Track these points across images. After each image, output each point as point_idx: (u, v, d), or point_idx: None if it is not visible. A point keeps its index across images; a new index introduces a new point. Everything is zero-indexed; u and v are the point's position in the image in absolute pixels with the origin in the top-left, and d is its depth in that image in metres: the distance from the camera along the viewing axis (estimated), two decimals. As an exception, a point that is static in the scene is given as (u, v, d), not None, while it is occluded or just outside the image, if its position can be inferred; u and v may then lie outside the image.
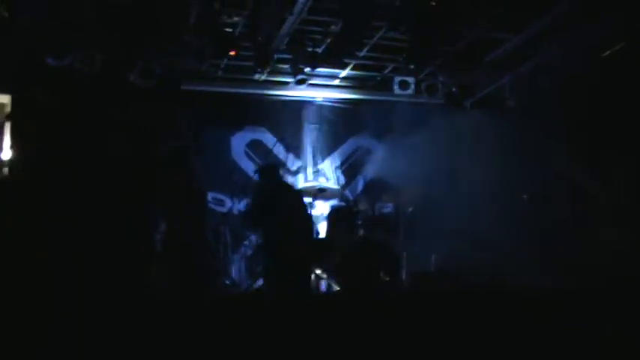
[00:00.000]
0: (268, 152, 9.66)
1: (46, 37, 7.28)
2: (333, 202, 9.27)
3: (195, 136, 9.00)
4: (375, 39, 8.48)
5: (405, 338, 5.37)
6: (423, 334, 5.42)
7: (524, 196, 8.47)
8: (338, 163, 10.24)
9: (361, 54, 8.94)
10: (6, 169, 7.57)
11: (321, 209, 9.05)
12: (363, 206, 8.59)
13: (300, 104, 10.09)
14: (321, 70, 9.15)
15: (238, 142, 9.79)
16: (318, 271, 8.01)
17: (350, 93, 10.21)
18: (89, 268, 6.18)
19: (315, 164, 10.13)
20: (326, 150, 10.24)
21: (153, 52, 8.23)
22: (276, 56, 8.64)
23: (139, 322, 5.10)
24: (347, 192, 9.69)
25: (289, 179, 9.56)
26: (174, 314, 5.36)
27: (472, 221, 8.65)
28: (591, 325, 5.34)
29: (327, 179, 10.02)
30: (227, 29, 7.99)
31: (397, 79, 9.38)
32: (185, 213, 7.46)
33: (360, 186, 10.07)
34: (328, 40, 8.33)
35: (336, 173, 10.18)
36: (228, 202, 9.49)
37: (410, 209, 8.93)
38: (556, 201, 7.97)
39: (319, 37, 8.39)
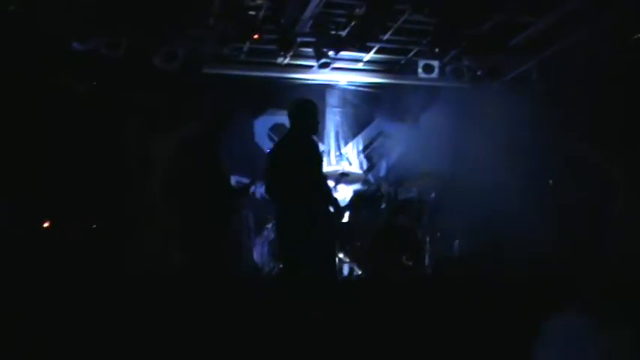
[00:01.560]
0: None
1: (70, 22, 7.31)
2: (356, 186, 9.25)
3: (219, 119, 9.01)
4: (399, 22, 8.38)
5: (426, 323, 5.37)
6: (445, 318, 5.42)
7: (550, 182, 8.39)
8: (361, 147, 10.22)
9: (385, 37, 8.86)
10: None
11: (343, 193, 9.03)
12: (385, 191, 8.57)
13: (324, 88, 10.05)
14: (344, 53, 9.08)
15: (261, 126, 9.82)
16: (340, 255, 8.03)
17: (374, 77, 10.12)
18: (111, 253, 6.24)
19: (338, 148, 10.12)
20: (349, 134, 10.22)
21: (176, 36, 8.24)
22: (299, 40, 8.60)
23: (163, 307, 5.16)
24: (370, 176, 9.66)
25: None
26: (199, 299, 5.41)
27: (496, 207, 8.58)
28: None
29: (350, 163, 10.01)
30: (250, 12, 7.97)
31: (421, 62, 9.29)
32: (209, 197, 7.50)
33: (383, 170, 10.04)
34: (352, 24, 8.26)
35: (359, 157, 10.16)
36: (251, 186, 9.51)
37: (433, 194, 8.88)
38: (579, 187, 7.89)
39: (343, 20, 8.33)
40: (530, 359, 5.00)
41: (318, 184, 6.05)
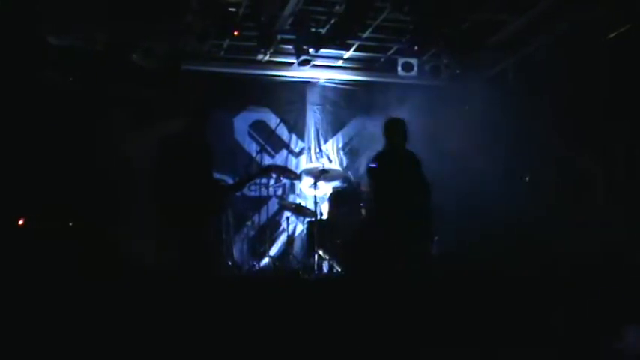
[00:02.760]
0: (271, 133, 9.64)
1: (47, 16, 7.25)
2: (336, 183, 9.27)
3: (199, 116, 8.96)
4: (378, 20, 8.43)
5: (403, 320, 5.38)
6: (422, 316, 5.43)
7: (526, 179, 8.45)
8: (341, 144, 10.24)
9: (365, 35, 8.90)
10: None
11: (324, 190, 9.05)
12: (365, 188, 8.58)
13: (304, 85, 10.08)
14: (324, 51, 9.10)
15: (241, 123, 9.80)
16: (320, 252, 8.04)
17: (354, 74, 10.17)
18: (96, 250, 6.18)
19: (318, 145, 10.13)
20: (330, 131, 10.24)
21: (155, 33, 8.19)
22: (279, 37, 8.61)
23: (146, 304, 5.12)
24: (350, 173, 9.68)
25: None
26: (179, 298, 5.38)
27: (475, 204, 8.64)
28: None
29: (330, 161, 10.02)
30: (230, 9, 7.96)
31: (401, 60, 9.36)
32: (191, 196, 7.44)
33: (362, 167, 10.06)
34: (332, 21, 8.29)
35: (339, 155, 10.18)
36: (231, 183, 9.49)
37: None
38: (556, 184, 7.96)
39: (323, 17, 8.35)
40: (508, 355, 5.08)
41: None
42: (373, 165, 7.03)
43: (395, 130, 6.99)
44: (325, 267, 8.13)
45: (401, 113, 9.30)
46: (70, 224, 6.27)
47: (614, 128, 7.28)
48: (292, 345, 5.05)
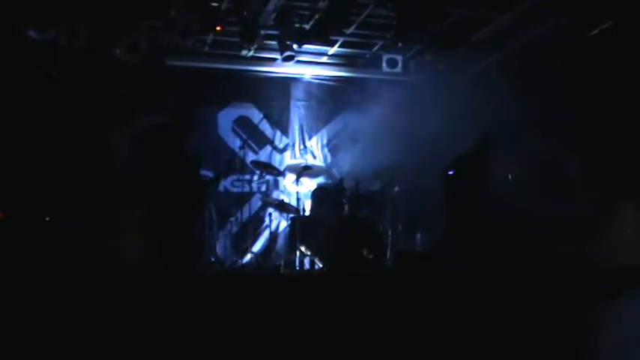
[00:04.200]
0: (254, 128, 9.61)
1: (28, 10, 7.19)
2: (320, 179, 9.25)
3: (184, 111, 8.93)
4: (362, 16, 8.41)
5: (387, 317, 5.38)
6: (405, 313, 5.43)
7: (509, 176, 8.45)
8: (325, 140, 10.22)
9: (349, 31, 8.87)
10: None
11: (307, 187, 9.03)
12: (348, 184, 8.56)
13: (288, 81, 10.06)
14: (309, 47, 9.09)
15: (225, 119, 9.76)
16: (302, 249, 8.03)
17: (338, 70, 10.15)
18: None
19: (302, 142, 10.11)
20: (314, 127, 10.23)
21: (138, 28, 8.14)
22: (263, 32, 8.56)
23: (127, 301, 5.08)
24: (334, 170, 9.67)
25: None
26: (165, 292, 5.34)
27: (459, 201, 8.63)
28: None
29: (314, 157, 10.01)
30: (213, 4, 7.93)
31: (385, 56, 9.35)
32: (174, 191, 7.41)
33: (347, 164, 10.03)
34: (316, 17, 8.26)
35: (323, 151, 10.17)
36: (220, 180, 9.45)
37: (396, 188, 8.92)
38: (537, 182, 7.97)
39: (307, 13, 8.32)
40: (491, 350, 5.09)
41: None
42: None
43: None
44: (307, 263, 8.12)
45: (385, 110, 9.36)
46: (47, 219, 6.23)
47: (597, 127, 7.30)
48: (273, 341, 5.05)
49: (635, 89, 6.93)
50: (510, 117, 8.56)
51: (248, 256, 8.86)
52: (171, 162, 7.62)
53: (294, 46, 8.76)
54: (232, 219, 9.29)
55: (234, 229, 9.26)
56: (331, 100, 10.24)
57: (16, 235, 5.91)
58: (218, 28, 8.23)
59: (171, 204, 7.33)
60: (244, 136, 9.63)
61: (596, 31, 7.43)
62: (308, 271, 7.98)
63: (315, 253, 7.97)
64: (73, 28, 7.61)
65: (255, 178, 9.39)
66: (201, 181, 8.12)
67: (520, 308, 5.43)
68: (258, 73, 9.80)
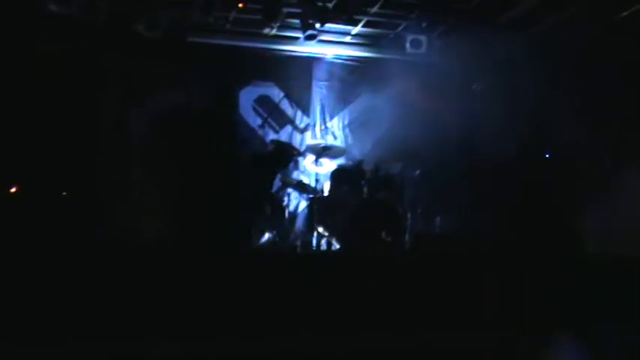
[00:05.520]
0: (275, 107, 9.54)
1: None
2: (340, 160, 9.18)
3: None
4: (386, -5, 8.29)
5: (404, 299, 5.32)
6: (423, 295, 5.37)
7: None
8: (347, 121, 10.11)
9: (372, 10, 8.74)
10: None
11: (327, 167, 8.97)
12: (368, 166, 8.48)
13: (310, 60, 9.94)
14: (331, 26, 8.97)
15: (246, 98, 9.69)
16: (320, 229, 7.97)
17: (362, 50, 10.01)
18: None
19: (323, 122, 10.02)
20: (335, 108, 10.11)
21: (159, 3, 8.10)
22: (285, 10, 8.48)
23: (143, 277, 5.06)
24: (355, 151, 9.57)
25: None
26: (180, 270, 5.32)
27: (479, 186, 8.53)
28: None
29: (335, 137, 9.92)
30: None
31: (409, 37, 9.19)
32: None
33: (368, 145, 9.94)
34: (338, -5, 8.16)
35: (344, 132, 10.06)
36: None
37: (417, 172, 8.81)
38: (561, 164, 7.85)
39: (330, -9, 8.22)
40: (506, 336, 5.02)
41: None
42: None
43: None
44: (324, 244, 8.06)
45: (408, 91, 9.24)
46: (64, 194, 6.23)
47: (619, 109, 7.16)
48: (287, 320, 5.01)
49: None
50: (536, 100, 8.43)
51: (266, 236, 8.81)
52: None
53: (317, 25, 8.67)
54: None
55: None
56: (353, 80, 10.10)
57: (31, 209, 5.92)
58: (240, 5, 8.18)
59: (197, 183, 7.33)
60: (265, 115, 9.57)
61: (622, 15, 7.25)
62: (324, 251, 7.92)
63: (333, 234, 7.91)
64: (94, 3, 7.59)
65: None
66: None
67: (540, 294, 5.36)
68: (279, 52, 9.70)
